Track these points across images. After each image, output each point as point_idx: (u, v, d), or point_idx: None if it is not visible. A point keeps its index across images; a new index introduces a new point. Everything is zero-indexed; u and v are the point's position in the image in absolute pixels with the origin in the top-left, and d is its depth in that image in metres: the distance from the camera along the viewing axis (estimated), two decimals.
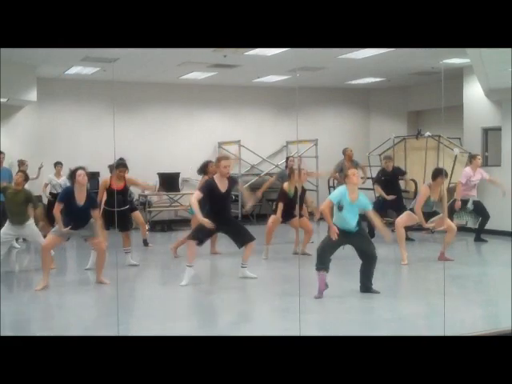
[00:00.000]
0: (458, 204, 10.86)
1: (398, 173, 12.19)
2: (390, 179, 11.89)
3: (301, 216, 10.23)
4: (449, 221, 9.45)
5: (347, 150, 13.09)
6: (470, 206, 11.07)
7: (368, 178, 13.27)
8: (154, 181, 14.58)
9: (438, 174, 9.21)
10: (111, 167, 9.92)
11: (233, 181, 8.35)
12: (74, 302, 7.50)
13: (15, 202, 8.76)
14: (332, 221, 7.19)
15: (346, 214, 7.16)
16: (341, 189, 7.35)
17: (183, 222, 14.83)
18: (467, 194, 11.05)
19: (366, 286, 7.41)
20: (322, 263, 7.15)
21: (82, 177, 7.91)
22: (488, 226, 11.53)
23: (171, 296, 7.78)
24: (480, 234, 11.47)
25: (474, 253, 11.21)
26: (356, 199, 7.22)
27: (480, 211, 11.27)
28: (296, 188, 9.93)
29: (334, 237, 7.05)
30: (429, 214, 9.33)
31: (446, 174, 9.93)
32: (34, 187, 12.67)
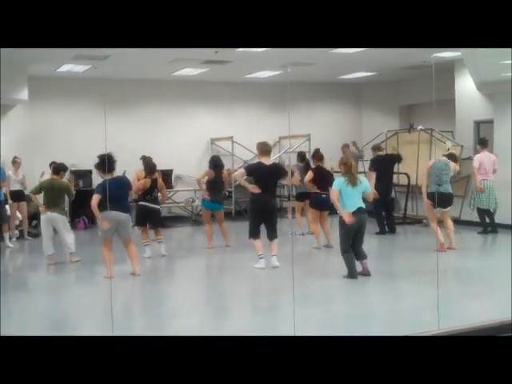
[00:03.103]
0: None
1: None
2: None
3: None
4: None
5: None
6: None
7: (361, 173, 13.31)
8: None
9: None
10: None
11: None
12: (71, 301, 7.52)
13: None
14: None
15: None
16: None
17: (177, 219, 14.86)
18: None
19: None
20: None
21: None
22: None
23: (173, 293, 7.80)
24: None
25: (474, 245, 11.21)
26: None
27: None
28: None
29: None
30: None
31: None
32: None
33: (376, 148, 12.42)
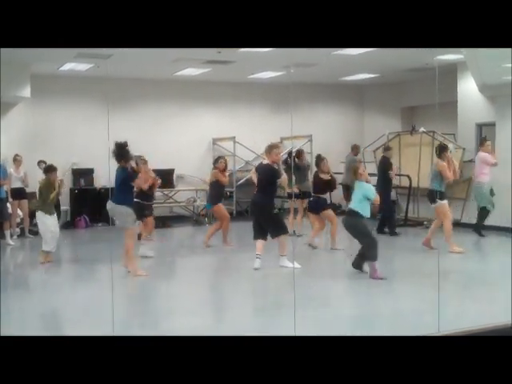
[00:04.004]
0: None
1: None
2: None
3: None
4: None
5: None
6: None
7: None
8: None
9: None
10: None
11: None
12: (71, 300, 7.52)
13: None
14: None
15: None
16: None
17: (178, 219, 14.85)
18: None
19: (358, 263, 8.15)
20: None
21: None
22: (488, 222, 11.64)
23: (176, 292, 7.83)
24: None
25: (473, 248, 11.18)
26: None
27: None
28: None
29: None
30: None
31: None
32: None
33: (386, 149, 12.51)
